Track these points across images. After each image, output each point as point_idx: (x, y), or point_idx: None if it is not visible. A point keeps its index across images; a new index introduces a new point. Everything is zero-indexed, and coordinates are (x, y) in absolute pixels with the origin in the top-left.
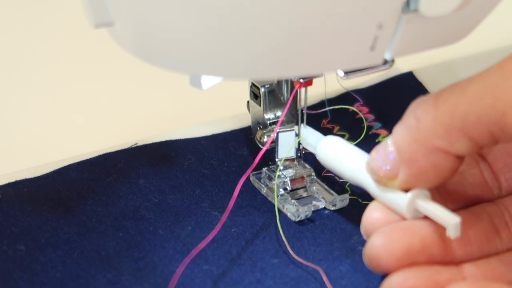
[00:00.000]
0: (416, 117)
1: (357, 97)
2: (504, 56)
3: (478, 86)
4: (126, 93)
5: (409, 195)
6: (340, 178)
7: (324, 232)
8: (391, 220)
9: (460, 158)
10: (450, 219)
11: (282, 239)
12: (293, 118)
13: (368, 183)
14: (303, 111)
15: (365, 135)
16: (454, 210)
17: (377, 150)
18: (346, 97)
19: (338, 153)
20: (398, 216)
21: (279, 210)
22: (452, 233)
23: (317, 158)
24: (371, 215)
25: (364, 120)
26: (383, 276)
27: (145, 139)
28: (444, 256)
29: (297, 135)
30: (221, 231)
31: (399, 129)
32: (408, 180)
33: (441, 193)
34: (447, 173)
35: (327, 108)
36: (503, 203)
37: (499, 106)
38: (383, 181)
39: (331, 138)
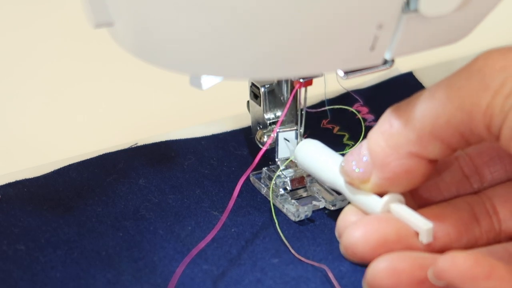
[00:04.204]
0: (390, 122)
1: (357, 97)
2: None
3: (445, 89)
4: (126, 93)
5: (383, 199)
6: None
7: (324, 232)
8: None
9: (433, 162)
10: (422, 225)
11: (282, 238)
12: (293, 118)
13: (343, 186)
14: (303, 111)
15: (363, 136)
16: (432, 203)
17: (352, 153)
18: (346, 97)
19: (314, 156)
20: None
21: (279, 210)
22: (424, 238)
23: (295, 160)
24: (346, 218)
25: (362, 121)
26: None
27: (145, 139)
28: (420, 249)
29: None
30: (221, 231)
31: (374, 133)
32: (380, 184)
33: (414, 195)
34: (420, 177)
35: (327, 107)
36: (486, 193)
37: (466, 108)
38: (355, 183)
39: (308, 141)
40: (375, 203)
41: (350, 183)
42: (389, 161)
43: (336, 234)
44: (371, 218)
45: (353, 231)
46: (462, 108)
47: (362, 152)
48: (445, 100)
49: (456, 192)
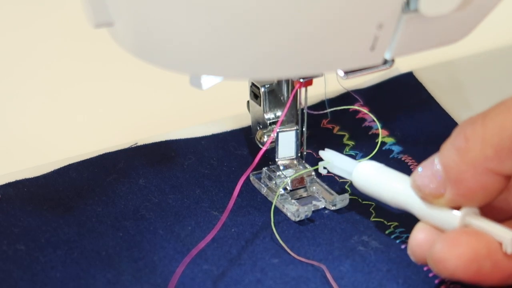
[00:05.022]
0: (466, 137)
1: (357, 97)
2: (504, 56)
3: None
4: (126, 93)
5: (460, 213)
6: (340, 178)
7: (324, 232)
8: (435, 240)
9: (508, 177)
10: (506, 234)
11: (282, 238)
12: (293, 118)
13: (412, 204)
14: (304, 111)
15: (380, 141)
16: (502, 217)
17: (424, 167)
18: (346, 97)
19: (376, 177)
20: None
21: (279, 210)
22: (509, 247)
23: (354, 184)
24: (417, 236)
25: (379, 126)
26: (383, 275)
27: (145, 139)
28: (507, 263)
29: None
30: (221, 231)
31: (447, 148)
32: (455, 199)
33: (484, 209)
34: (495, 193)
35: (329, 110)
36: None
37: None
38: (428, 199)
39: (366, 163)
40: (452, 217)
41: (423, 198)
42: (464, 177)
43: (409, 252)
44: (459, 232)
45: (444, 246)
46: None
47: (435, 166)
48: None
49: None
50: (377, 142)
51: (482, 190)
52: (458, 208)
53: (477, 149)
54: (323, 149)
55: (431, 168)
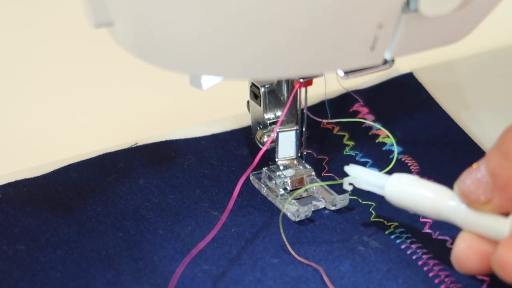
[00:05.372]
0: None
1: (357, 97)
2: (504, 56)
3: None
4: (126, 93)
5: (510, 219)
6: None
7: (324, 232)
8: (479, 248)
9: None
10: None
11: (282, 238)
12: (293, 118)
13: (454, 213)
14: (304, 111)
15: (394, 154)
16: None
17: (469, 174)
18: (346, 97)
19: (412, 189)
20: (490, 241)
21: (279, 210)
22: None
23: (386, 197)
24: (460, 246)
25: (379, 127)
26: (383, 275)
27: (145, 139)
28: None
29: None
30: (221, 231)
31: (494, 154)
32: (503, 205)
33: None
34: None
35: (335, 120)
36: None
37: None
38: (475, 205)
39: (400, 176)
40: (502, 223)
41: (469, 205)
42: None
43: (453, 262)
44: None
45: (508, 251)
46: None
47: (481, 173)
48: None
49: None
50: (378, 143)
51: None
52: (505, 214)
53: None
54: (323, 149)
55: (477, 174)
